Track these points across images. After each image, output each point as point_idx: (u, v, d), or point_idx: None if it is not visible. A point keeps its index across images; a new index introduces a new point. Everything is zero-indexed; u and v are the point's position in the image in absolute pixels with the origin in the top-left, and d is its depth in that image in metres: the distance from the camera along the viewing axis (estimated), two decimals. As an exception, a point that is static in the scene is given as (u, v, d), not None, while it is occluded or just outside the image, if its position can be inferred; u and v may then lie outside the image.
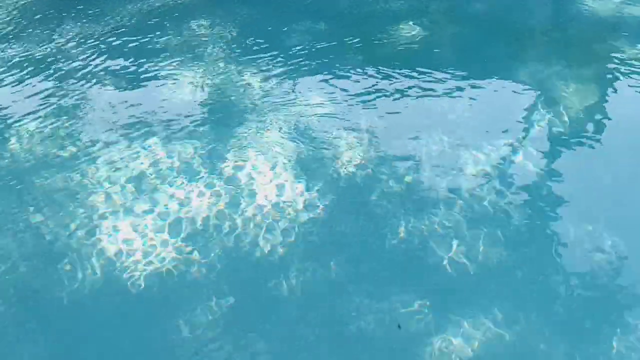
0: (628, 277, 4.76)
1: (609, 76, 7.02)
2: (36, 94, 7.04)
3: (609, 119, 6.39)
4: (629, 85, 6.86)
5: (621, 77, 6.97)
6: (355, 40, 7.77)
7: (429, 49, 7.66)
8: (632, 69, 7.04)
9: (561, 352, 4.29)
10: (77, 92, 7.02)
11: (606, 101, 6.67)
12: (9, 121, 6.65)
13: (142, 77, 7.28)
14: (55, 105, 6.80)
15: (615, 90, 6.81)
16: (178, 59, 7.51)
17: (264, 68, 7.24)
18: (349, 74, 7.12)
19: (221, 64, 7.37)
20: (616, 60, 7.17)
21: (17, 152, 6.19)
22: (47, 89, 7.10)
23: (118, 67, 7.48)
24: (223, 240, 5.12)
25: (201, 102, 6.76)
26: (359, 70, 7.19)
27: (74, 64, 7.53)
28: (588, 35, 7.80)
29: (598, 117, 6.41)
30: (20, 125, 6.53)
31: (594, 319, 4.50)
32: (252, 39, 7.85)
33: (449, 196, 5.42)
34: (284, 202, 5.42)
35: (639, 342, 4.29)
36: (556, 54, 7.39)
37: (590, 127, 6.25)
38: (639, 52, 7.25)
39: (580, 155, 5.99)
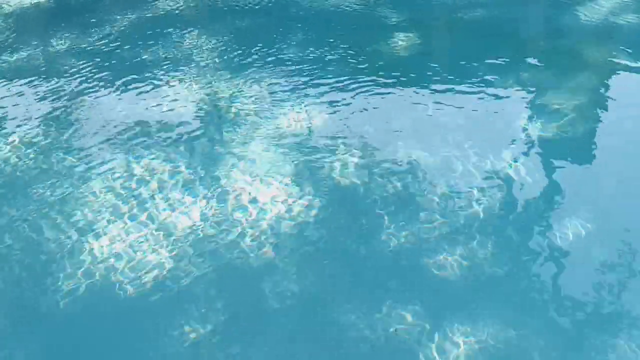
0: (626, 282, 4.76)
1: (601, 82, 7.07)
2: (30, 102, 7.04)
3: (604, 125, 6.44)
4: (620, 91, 6.91)
5: (612, 83, 7.03)
6: (349, 51, 7.80)
7: (424, 58, 7.69)
8: (623, 74, 7.10)
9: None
10: (69, 102, 7.02)
11: (600, 107, 6.70)
12: (2, 129, 6.63)
13: (135, 87, 7.28)
14: (47, 115, 6.79)
15: (608, 96, 6.85)
16: (172, 69, 7.51)
17: (257, 78, 7.24)
18: (343, 84, 7.13)
19: (214, 75, 7.37)
20: (608, 67, 7.23)
21: (11, 159, 6.16)
22: (40, 98, 7.10)
23: (111, 78, 7.48)
24: (217, 250, 5.09)
25: (194, 112, 6.75)
26: (353, 79, 7.19)
27: (67, 74, 7.54)
28: (581, 42, 7.84)
29: (592, 123, 6.44)
30: (14, 134, 6.51)
31: (593, 325, 4.49)
32: (245, 50, 7.87)
33: (445, 203, 5.41)
34: (277, 210, 5.40)
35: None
36: (550, 62, 7.44)
37: (586, 133, 6.27)
38: (631, 58, 7.31)
39: (575, 162, 6.01)
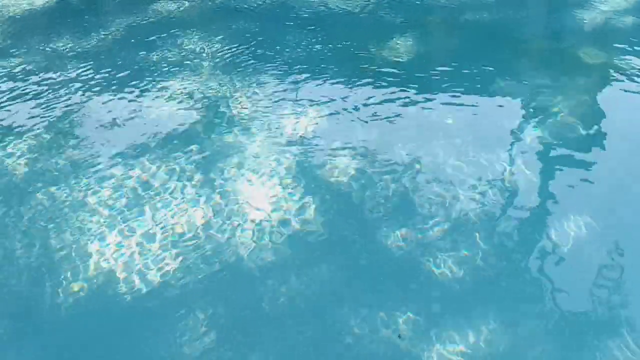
0: (624, 284, 4.77)
1: (599, 84, 7.10)
2: (26, 107, 7.03)
3: (601, 126, 6.44)
4: (617, 93, 6.94)
5: (610, 85, 7.07)
6: (349, 53, 7.82)
7: (423, 61, 7.71)
8: (619, 76, 7.12)
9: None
10: (68, 106, 7.01)
11: (597, 109, 6.72)
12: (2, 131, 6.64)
13: (134, 91, 7.26)
14: (44, 120, 6.79)
15: (605, 99, 6.87)
16: (171, 73, 7.51)
17: (258, 81, 7.25)
18: (343, 85, 7.14)
19: (214, 78, 7.37)
20: (604, 69, 7.25)
21: (8, 165, 6.17)
22: (37, 103, 7.09)
23: (111, 82, 7.47)
24: (216, 253, 5.08)
25: (194, 116, 6.75)
26: (353, 81, 7.21)
27: (65, 78, 7.53)
28: (578, 45, 7.86)
29: (590, 125, 6.45)
30: (11, 139, 6.52)
31: (590, 326, 4.49)
32: (246, 52, 7.87)
33: (443, 205, 5.41)
34: (277, 213, 5.40)
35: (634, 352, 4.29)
36: (547, 65, 7.46)
37: (583, 135, 6.28)
38: (626, 60, 7.33)
39: (573, 163, 6.01)
